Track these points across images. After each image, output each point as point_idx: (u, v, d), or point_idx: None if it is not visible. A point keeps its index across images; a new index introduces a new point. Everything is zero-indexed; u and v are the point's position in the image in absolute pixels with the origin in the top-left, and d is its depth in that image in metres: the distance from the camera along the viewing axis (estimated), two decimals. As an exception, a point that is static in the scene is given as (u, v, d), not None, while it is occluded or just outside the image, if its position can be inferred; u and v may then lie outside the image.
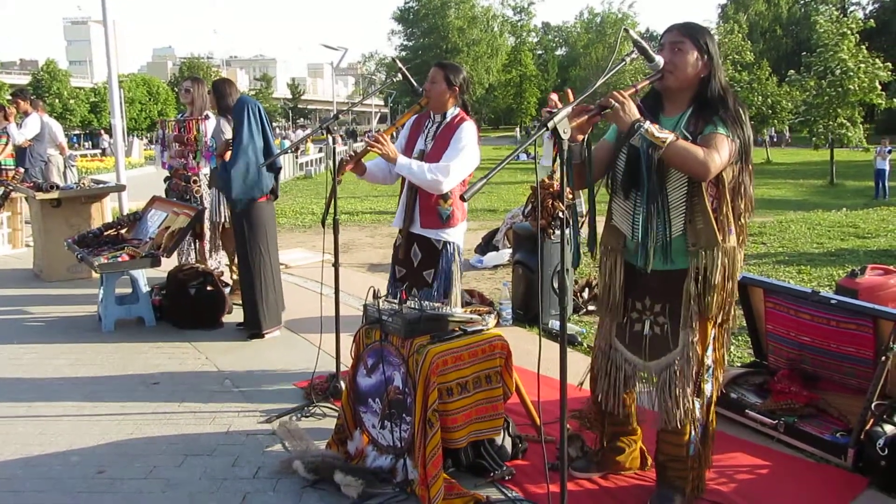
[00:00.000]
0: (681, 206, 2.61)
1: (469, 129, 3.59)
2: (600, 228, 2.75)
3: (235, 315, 5.56)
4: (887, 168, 19.19)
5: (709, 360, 2.74)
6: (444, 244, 3.64)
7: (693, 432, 2.75)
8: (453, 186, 3.55)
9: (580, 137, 2.51)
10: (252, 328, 5.10)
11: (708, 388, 2.75)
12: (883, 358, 3.16)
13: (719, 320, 2.73)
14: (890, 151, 19.65)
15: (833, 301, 3.46)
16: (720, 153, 2.52)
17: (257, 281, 4.97)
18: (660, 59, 2.55)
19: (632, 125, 2.44)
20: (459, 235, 3.71)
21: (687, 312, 2.66)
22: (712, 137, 2.55)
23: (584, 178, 2.63)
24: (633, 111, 2.46)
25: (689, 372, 2.67)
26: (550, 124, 2.26)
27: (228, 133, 5.72)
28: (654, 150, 2.50)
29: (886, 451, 2.96)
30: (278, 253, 5.30)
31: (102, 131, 44.29)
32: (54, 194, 7.00)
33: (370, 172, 3.76)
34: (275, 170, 5.04)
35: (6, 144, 9.31)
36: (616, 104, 2.44)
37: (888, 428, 3.07)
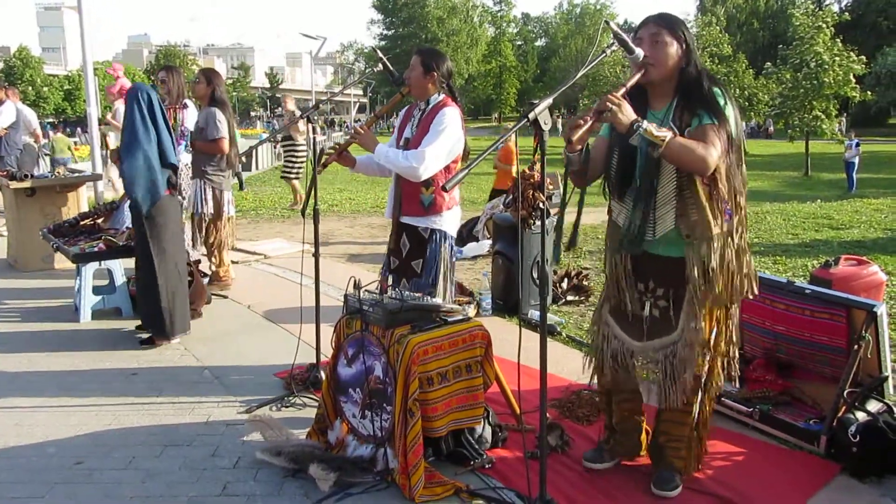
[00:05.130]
0: (672, 200, 2.64)
1: (450, 115, 3.52)
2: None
3: (207, 310, 5.54)
4: (856, 161, 19.45)
5: (713, 343, 2.79)
6: (431, 232, 3.62)
7: (696, 412, 2.84)
8: (433, 172, 3.48)
9: (579, 147, 2.53)
10: (155, 334, 4.74)
11: (706, 369, 2.81)
12: (855, 347, 3.22)
13: (728, 305, 2.78)
14: (858, 144, 19.92)
15: (807, 291, 3.52)
16: (715, 146, 2.53)
17: (161, 283, 4.58)
18: (640, 52, 2.57)
19: (631, 126, 2.44)
20: (448, 223, 3.66)
21: (689, 298, 2.70)
22: (703, 131, 2.57)
23: (582, 181, 2.69)
24: (629, 112, 2.46)
25: (688, 355, 2.72)
26: (531, 115, 2.27)
27: (223, 126, 5.69)
28: (654, 149, 2.50)
29: (858, 438, 3.02)
30: (185, 252, 4.94)
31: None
32: (27, 183, 6.90)
33: (363, 165, 3.74)
34: (169, 165, 4.62)
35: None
36: (613, 107, 2.44)
37: (860, 415, 3.14)
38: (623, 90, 2.54)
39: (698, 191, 2.62)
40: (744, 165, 2.72)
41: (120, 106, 8.99)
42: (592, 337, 3.05)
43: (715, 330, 2.80)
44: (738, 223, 2.73)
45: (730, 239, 2.70)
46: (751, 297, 2.83)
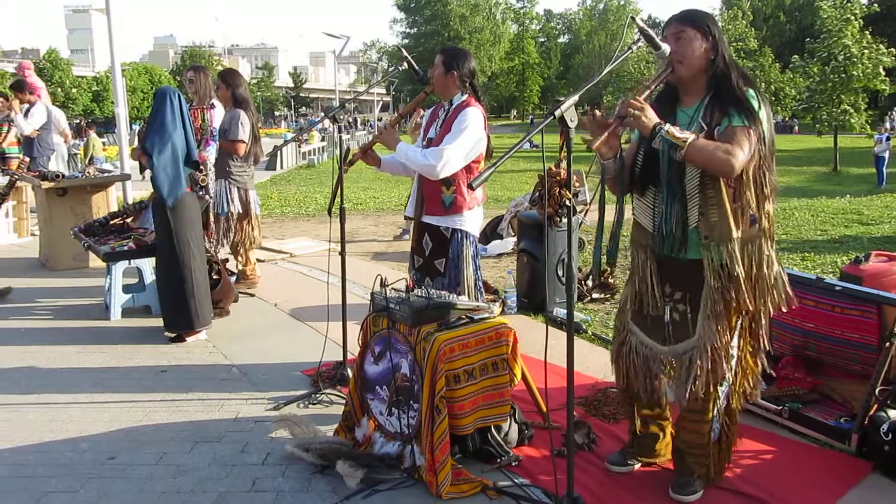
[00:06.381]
0: (694, 199, 2.60)
1: (471, 114, 3.53)
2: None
3: (235, 308, 5.59)
4: (886, 156, 19.11)
5: (733, 350, 2.73)
6: (453, 232, 3.64)
7: (714, 419, 2.80)
8: (452, 171, 3.50)
9: (612, 155, 2.52)
10: (181, 328, 4.83)
11: (729, 376, 2.75)
12: (887, 344, 3.18)
13: (749, 311, 2.71)
14: (888, 139, 19.55)
15: (837, 287, 3.48)
16: (742, 148, 2.49)
17: (188, 276, 4.72)
18: (666, 47, 2.56)
19: (653, 129, 2.43)
20: (469, 223, 3.67)
21: (706, 302, 2.66)
22: (732, 132, 2.53)
23: (621, 187, 2.66)
24: (652, 116, 2.45)
25: (705, 360, 2.67)
26: (557, 113, 2.27)
27: (246, 128, 5.76)
28: (676, 151, 2.48)
29: (890, 436, 2.98)
30: (204, 247, 5.03)
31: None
32: (59, 183, 7.02)
33: (388, 164, 3.77)
34: (192, 163, 4.80)
35: (8, 132, 9.33)
36: (635, 111, 2.43)
37: (892, 413, 3.09)
38: (646, 92, 2.52)
39: (721, 190, 2.57)
40: (772, 174, 2.63)
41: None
42: (615, 346, 3.00)
43: (738, 338, 2.74)
44: (762, 230, 2.65)
45: (750, 246, 2.63)
46: (783, 309, 2.74)
